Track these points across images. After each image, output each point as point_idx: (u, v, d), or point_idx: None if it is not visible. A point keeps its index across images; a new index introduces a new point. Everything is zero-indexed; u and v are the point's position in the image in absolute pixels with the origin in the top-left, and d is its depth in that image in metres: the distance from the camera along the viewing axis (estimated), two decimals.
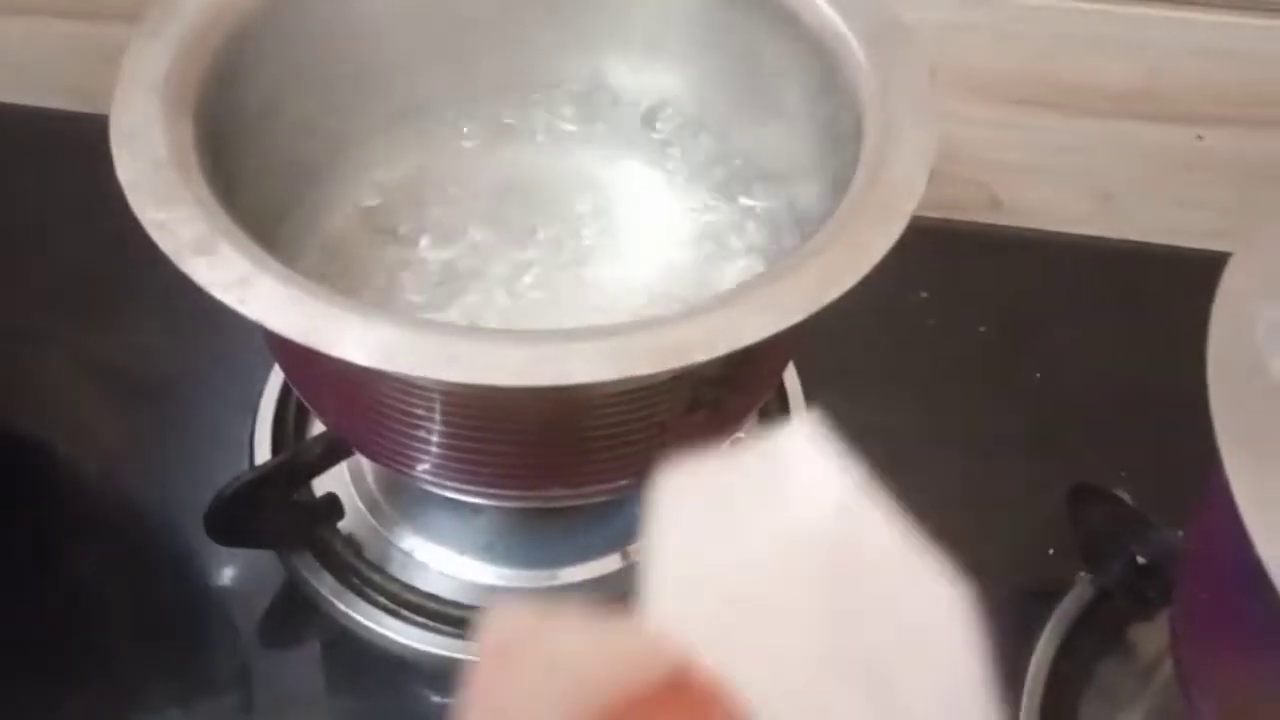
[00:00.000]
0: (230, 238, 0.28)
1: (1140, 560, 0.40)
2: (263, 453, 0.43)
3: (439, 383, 0.26)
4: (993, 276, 0.53)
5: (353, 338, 0.26)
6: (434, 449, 0.32)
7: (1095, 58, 0.51)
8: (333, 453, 0.37)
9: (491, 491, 0.35)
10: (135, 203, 0.28)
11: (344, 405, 0.34)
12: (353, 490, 0.42)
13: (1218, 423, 0.27)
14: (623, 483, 0.35)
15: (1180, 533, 0.39)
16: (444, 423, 0.31)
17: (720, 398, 0.33)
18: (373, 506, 0.42)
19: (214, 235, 0.28)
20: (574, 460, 0.32)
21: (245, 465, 0.43)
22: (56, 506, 0.43)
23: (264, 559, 0.40)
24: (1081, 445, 0.46)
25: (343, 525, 0.41)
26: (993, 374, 0.49)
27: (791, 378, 0.45)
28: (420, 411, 0.30)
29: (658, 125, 0.42)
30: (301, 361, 0.31)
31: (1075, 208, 0.56)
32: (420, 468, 0.33)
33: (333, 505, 0.40)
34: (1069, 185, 0.56)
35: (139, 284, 0.44)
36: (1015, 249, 0.55)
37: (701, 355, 0.26)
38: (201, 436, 0.45)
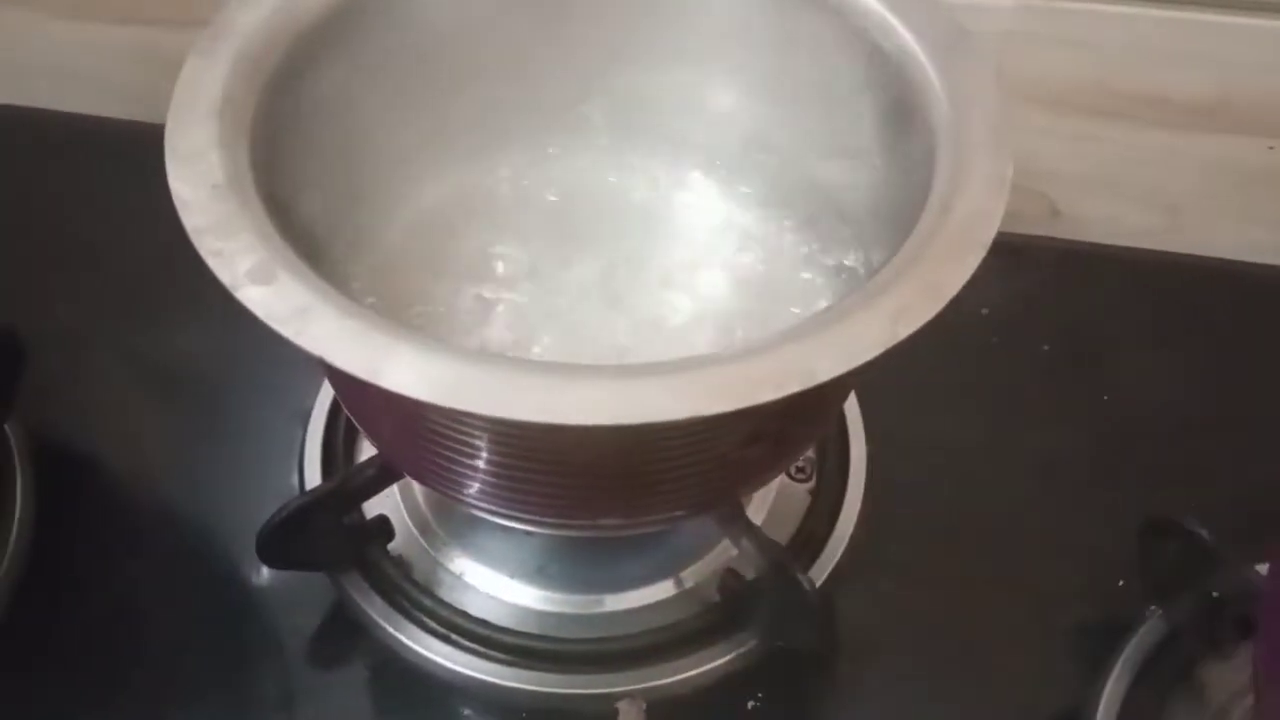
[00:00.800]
0: (289, 266, 0.27)
1: (1215, 596, 0.38)
2: (313, 468, 0.42)
3: (504, 419, 0.25)
4: (1055, 292, 0.52)
5: (417, 373, 0.25)
6: (489, 478, 0.32)
7: (1165, 68, 0.50)
8: (385, 476, 0.37)
9: (546, 520, 0.34)
10: (193, 231, 0.28)
11: (399, 433, 0.33)
12: (403, 510, 0.42)
13: None
14: (679, 513, 0.34)
15: (1258, 568, 0.37)
16: (501, 455, 0.30)
17: (782, 430, 0.32)
18: (423, 527, 0.41)
19: (272, 264, 0.27)
20: (630, 492, 0.32)
21: (294, 480, 0.43)
22: (105, 519, 0.43)
23: (313, 578, 0.40)
24: (1152, 471, 0.44)
25: (392, 546, 0.40)
26: (1058, 395, 0.47)
27: (851, 402, 0.44)
28: (478, 443, 0.30)
29: (720, 147, 0.41)
30: (356, 389, 0.31)
31: (1140, 220, 0.55)
32: (473, 495, 0.33)
33: (383, 527, 0.40)
34: (1134, 198, 0.54)
35: (193, 294, 0.44)
36: (1077, 262, 0.54)
37: (770, 394, 0.25)
38: (253, 450, 0.45)
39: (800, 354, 0.26)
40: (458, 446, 0.30)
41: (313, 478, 0.42)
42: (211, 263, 0.27)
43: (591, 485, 0.31)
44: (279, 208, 0.30)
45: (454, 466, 0.32)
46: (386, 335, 0.26)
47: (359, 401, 0.34)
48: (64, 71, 0.58)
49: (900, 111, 0.34)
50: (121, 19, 0.56)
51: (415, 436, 0.32)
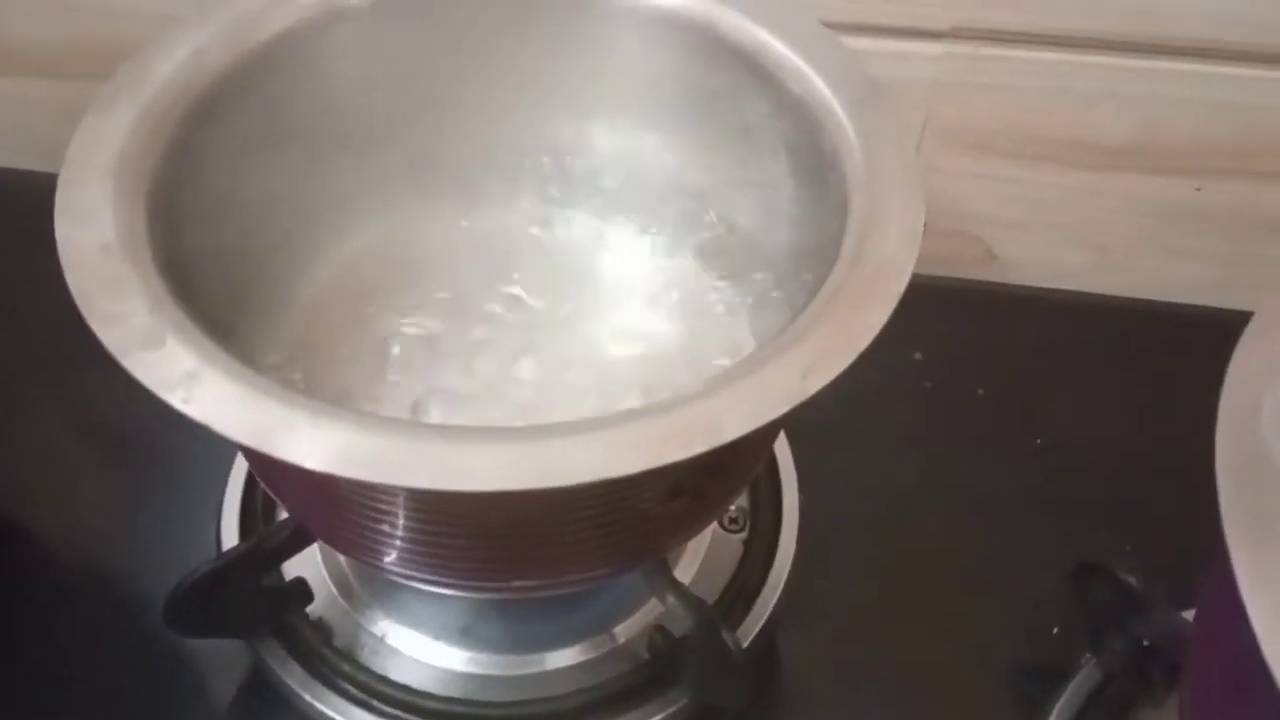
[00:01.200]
0: (179, 330, 0.26)
1: (1145, 643, 0.38)
2: (230, 529, 0.41)
3: (398, 487, 0.25)
4: (989, 335, 0.52)
5: (305, 441, 0.24)
6: (399, 543, 0.31)
7: (1087, 111, 0.50)
8: (300, 537, 0.36)
9: (462, 584, 0.33)
10: (77, 292, 0.27)
11: (307, 500, 0.32)
12: (324, 571, 0.40)
13: (1225, 514, 0.25)
14: (599, 573, 0.33)
15: (1185, 614, 0.37)
16: (409, 520, 0.29)
17: (703, 485, 0.31)
18: (344, 588, 0.40)
19: (161, 328, 0.26)
20: (547, 554, 0.31)
21: (213, 540, 0.42)
22: (25, 579, 0.42)
23: (231, 644, 0.39)
24: (1085, 513, 0.44)
25: (312, 609, 0.39)
26: (992, 439, 0.47)
27: (782, 445, 0.44)
28: (384, 508, 0.29)
29: (643, 194, 0.41)
30: (258, 453, 0.30)
31: (1071, 262, 0.55)
32: (387, 561, 0.32)
33: (301, 590, 0.39)
34: (1065, 239, 0.55)
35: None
36: (1011, 306, 0.54)
37: (677, 454, 0.24)
38: (171, 509, 0.44)
39: (710, 410, 0.25)
40: (365, 512, 0.29)
41: (230, 538, 0.41)
42: (96, 326, 0.26)
43: (504, 548, 0.30)
44: (177, 270, 0.29)
45: (363, 532, 0.31)
46: (278, 401, 0.25)
47: (262, 464, 0.33)
48: None
49: (816, 160, 0.33)
50: (42, 71, 0.55)
51: (322, 502, 0.31)
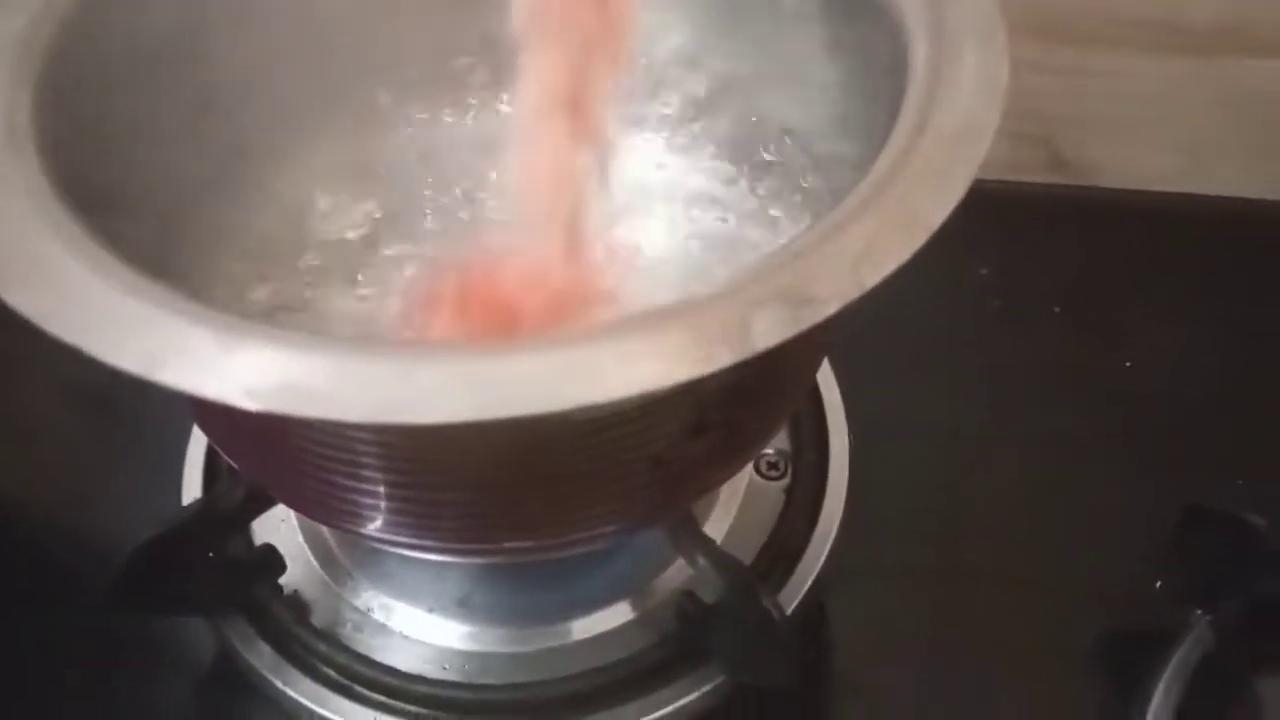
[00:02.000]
0: (56, 227, 0.21)
1: (1269, 597, 0.32)
2: (192, 487, 0.36)
3: (333, 421, 0.19)
4: (1064, 247, 0.46)
5: (216, 368, 0.19)
6: (364, 499, 0.25)
7: None
8: (259, 497, 0.30)
9: (440, 546, 0.27)
10: None
11: (246, 448, 0.27)
12: (299, 535, 0.35)
13: None
14: (609, 530, 0.27)
15: None
16: (364, 469, 0.24)
17: (734, 417, 0.25)
18: (323, 555, 0.35)
19: (38, 220, 0.21)
20: (543, 508, 0.25)
21: (176, 503, 0.36)
22: None
23: (194, 624, 0.34)
24: (1188, 452, 0.39)
25: (286, 581, 0.34)
26: (1073, 365, 0.42)
27: (827, 375, 0.38)
28: (330, 454, 0.23)
29: (659, 79, 0.34)
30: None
31: (1154, 164, 0.49)
32: (359, 524, 0.26)
33: (270, 558, 0.33)
34: (1147, 138, 0.49)
35: None
36: (1086, 213, 0.48)
37: (690, 371, 0.18)
38: (131, 466, 0.39)
39: (732, 311, 0.19)
40: (311, 459, 0.24)
41: (192, 497, 0.36)
42: None
43: (484, 502, 0.25)
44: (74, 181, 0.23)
45: (313, 484, 0.25)
46: (178, 316, 0.19)
47: (190, 404, 0.27)
48: None
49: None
50: None
51: (262, 449, 0.25)
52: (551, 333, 0.20)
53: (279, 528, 0.35)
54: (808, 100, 0.29)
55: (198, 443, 0.37)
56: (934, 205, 0.21)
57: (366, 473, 0.24)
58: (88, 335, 0.19)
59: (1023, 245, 0.45)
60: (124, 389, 0.20)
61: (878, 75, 0.26)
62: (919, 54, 0.24)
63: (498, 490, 0.24)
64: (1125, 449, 0.39)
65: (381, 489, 0.25)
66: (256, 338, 0.19)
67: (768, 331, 0.19)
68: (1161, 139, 0.48)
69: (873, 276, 0.20)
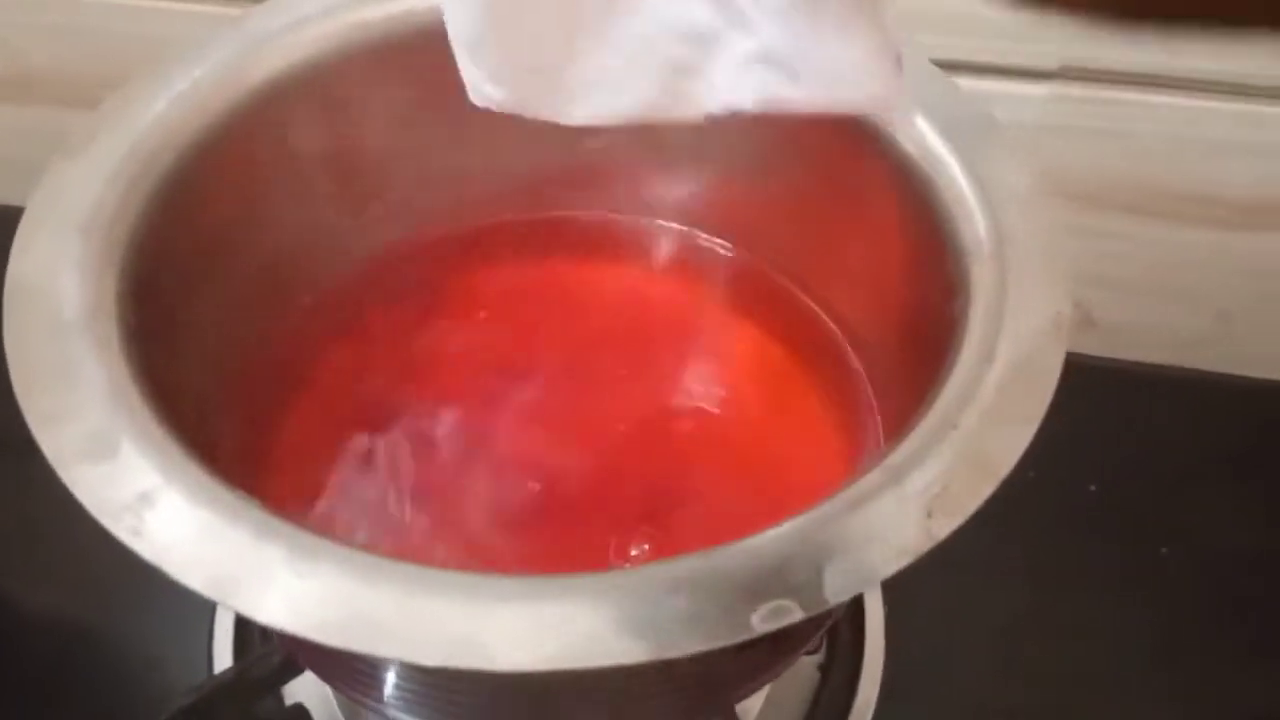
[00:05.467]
0: (139, 436, 0.21)
1: None
2: (223, 650, 0.35)
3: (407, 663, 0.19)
4: (1099, 418, 0.44)
5: (279, 596, 0.19)
6: (402, 693, 0.25)
7: (1212, 162, 0.44)
8: (292, 665, 0.30)
9: None
10: (18, 382, 0.22)
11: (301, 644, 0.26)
12: (329, 691, 0.35)
13: None
14: None
15: None
16: (413, 675, 0.23)
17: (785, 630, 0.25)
18: (352, 714, 0.34)
19: (116, 432, 0.21)
20: (593, 716, 0.25)
21: (204, 660, 0.36)
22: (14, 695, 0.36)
23: None
24: (1240, 649, 0.37)
25: None
26: (1117, 548, 0.40)
27: None
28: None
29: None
30: None
31: (1186, 329, 0.48)
32: (390, 707, 0.26)
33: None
34: (1179, 303, 0.48)
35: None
36: (1119, 383, 0.47)
37: (752, 630, 0.18)
38: (162, 615, 0.38)
39: (801, 559, 0.19)
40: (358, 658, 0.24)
41: (223, 657, 0.35)
42: (34, 427, 0.21)
43: (535, 714, 0.24)
44: (145, 353, 0.24)
45: (359, 675, 0.25)
46: (251, 533, 0.20)
47: None
48: None
49: (924, 223, 0.27)
50: (63, 101, 0.51)
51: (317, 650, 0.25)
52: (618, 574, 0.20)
53: (308, 686, 0.34)
54: (868, 307, 0.30)
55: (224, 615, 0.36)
56: (1003, 450, 0.21)
57: (409, 675, 0.24)
58: (167, 555, 0.19)
59: (1055, 417, 0.44)
60: None
61: (937, 290, 0.26)
62: (982, 283, 0.24)
63: (546, 708, 0.24)
64: (1167, 643, 0.37)
65: (421, 690, 0.25)
66: (326, 559, 0.19)
67: (839, 590, 0.19)
68: (1192, 305, 0.48)
69: (946, 526, 0.20)
